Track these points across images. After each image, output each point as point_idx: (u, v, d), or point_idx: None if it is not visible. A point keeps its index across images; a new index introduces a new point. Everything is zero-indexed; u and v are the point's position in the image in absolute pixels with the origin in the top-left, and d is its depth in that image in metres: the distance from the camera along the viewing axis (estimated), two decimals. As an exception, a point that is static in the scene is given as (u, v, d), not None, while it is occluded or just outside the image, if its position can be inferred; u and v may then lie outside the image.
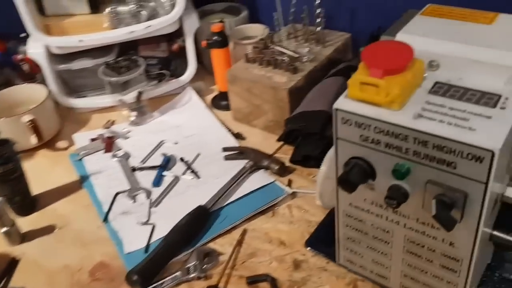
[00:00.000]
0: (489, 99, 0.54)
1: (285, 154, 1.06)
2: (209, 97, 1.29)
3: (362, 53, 0.58)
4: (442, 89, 0.57)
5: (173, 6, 1.19)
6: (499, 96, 0.54)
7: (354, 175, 0.58)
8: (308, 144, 0.97)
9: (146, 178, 1.03)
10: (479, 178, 0.51)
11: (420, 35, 0.61)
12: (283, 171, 1.00)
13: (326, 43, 1.14)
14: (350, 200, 0.65)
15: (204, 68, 1.36)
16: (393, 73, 0.55)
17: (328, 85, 1.02)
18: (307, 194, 0.95)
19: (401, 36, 0.61)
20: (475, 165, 0.50)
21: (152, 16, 1.20)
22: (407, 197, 0.57)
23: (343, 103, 0.58)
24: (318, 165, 0.99)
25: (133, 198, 0.98)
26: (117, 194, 0.99)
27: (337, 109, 0.58)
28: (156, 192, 0.99)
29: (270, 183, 0.97)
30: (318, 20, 1.11)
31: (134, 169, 1.05)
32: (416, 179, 0.56)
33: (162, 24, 1.18)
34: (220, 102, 1.24)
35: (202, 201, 0.93)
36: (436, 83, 0.57)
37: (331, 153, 0.74)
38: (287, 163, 1.02)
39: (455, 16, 0.64)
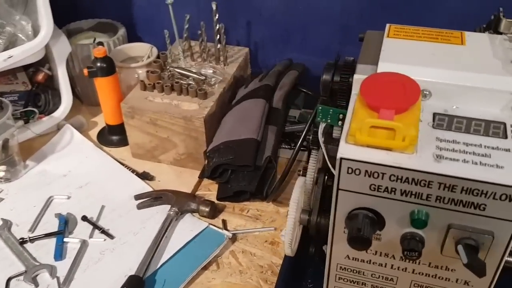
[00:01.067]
0: (497, 129, 0.51)
1: (208, 190, 0.94)
2: (93, 133, 1.08)
3: (361, 89, 0.50)
4: (444, 121, 0.52)
5: (35, 29, 0.96)
6: (504, 124, 0.51)
7: (368, 231, 0.50)
8: (241, 179, 0.87)
9: (43, 251, 0.81)
10: (509, 217, 0.47)
11: (404, 62, 0.55)
12: (214, 212, 0.88)
13: (228, 61, 1.04)
14: (348, 252, 0.57)
15: (78, 98, 1.15)
16: (401, 112, 0.48)
17: (249, 109, 0.92)
18: (248, 234, 0.85)
19: (384, 66, 0.55)
20: (507, 205, 0.47)
21: (11, 43, 0.95)
22: (424, 245, 0.51)
23: (347, 150, 0.49)
24: (249, 198, 0.90)
25: (33, 281, 0.76)
26: (9, 280, 0.76)
27: (342, 159, 0.49)
28: (62, 266, 0.78)
29: (204, 229, 0.84)
30: (218, 36, 1.01)
31: (23, 241, 0.82)
32: (434, 224, 0.50)
33: (27, 52, 0.94)
34: (110, 137, 1.05)
35: (126, 267, 0.76)
36: (435, 114, 0.53)
37: (296, 194, 0.65)
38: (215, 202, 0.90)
39: (423, 37, 0.60)
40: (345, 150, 0.49)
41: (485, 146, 0.49)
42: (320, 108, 0.59)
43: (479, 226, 0.49)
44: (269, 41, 1.10)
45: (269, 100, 0.94)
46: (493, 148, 0.49)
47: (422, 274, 0.56)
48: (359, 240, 0.50)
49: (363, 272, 0.58)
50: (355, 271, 0.59)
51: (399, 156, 0.48)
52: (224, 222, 0.87)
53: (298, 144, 0.81)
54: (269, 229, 0.85)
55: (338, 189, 0.52)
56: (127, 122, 0.96)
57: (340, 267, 0.59)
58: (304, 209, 0.68)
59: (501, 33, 0.60)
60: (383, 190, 0.50)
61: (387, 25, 0.62)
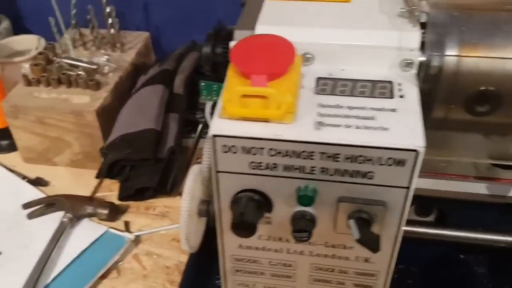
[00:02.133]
0: (383, 89, 0.46)
1: (110, 190, 0.85)
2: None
3: (232, 55, 0.44)
4: (328, 86, 0.47)
5: None
6: (391, 83, 0.47)
7: (252, 215, 0.44)
8: (141, 174, 0.79)
9: None
10: (401, 184, 0.43)
11: (283, 24, 0.50)
12: (114, 214, 0.80)
13: (125, 47, 0.96)
14: (239, 241, 0.51)
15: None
16: (276, 77, 0.43)
17: (146, 97, 0.85)
18: (154, 233, 0.78)
19: (262, 28, 0.49)
20: (396, 170, 0.42)
21: None
22: (315, 223, 0.46)
23: (220, 126, 0.43)
24: (154, 195, 0.82)
25: None
26: None
27: (215, 136, 0.43)
28: None
29: (103, 234, 0.76)
30: (110, 20, 0.92)
31: None
32: (323, 200, 0.45)
33: None
34: (-3, 142, 0.94)
35: (16, 285, 0.67)
36: (319, 79, 0.47)
37: (190, 183, 0.58)
38: (116, 202, 0.82)
39: (308, -3, 0.55)
40: (217, 125, 0.43)
41: (370, 108, 0.44)
42: (203, 84, 0.52)
43: (369, 197, 0.44)
44: (171, 23, 1.03)
45: (168, 85, 0.87)
46: (378, 109, 0.44)
47: (320, 255, 0.51)
48: (242, 226, 0.44)
49: (260, 261, 0.53)
50: (251, 261, 0.53)
51: (277, 127, 0.42)
52: (126, 223, 0.79)
53: (198, 131, 0.75)
54: (175, 226, 0.78)
55: (216, 171, 0.45)
56: (12, 123, 0.86)
57: (235, 258, 0.53)
58: (204, 199, 0.61)
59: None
60: (264, 167, 0.44)
61: (269, -12, 0.57)
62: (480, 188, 0.59)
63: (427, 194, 0.60)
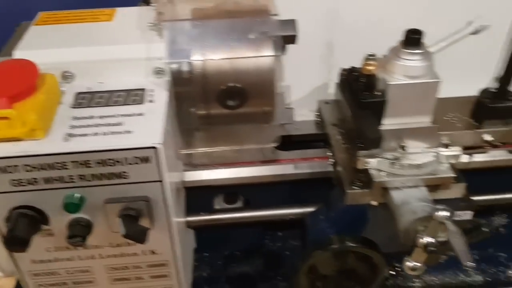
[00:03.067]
0: (136, 96, 0.51)
1: None
2: None
3: (-27, 83, 0.46)
4: (85, 99, 0.51)
5: None
6: (143, 90, 0.52)
7: (22, 229, 0.47)
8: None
9: None
10: (153, 178, 0.48)
11: (43, 47, 0.53)
12: None
13: None
14: (30, 256, 0.53)
15: None
16: (22, 98, 0.46)
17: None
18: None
19: (20, 53, 0.52)
20: (145, 167, 0.47)
21: None
22: (91, 227, 0.50)
23: (-30, 150, 0.45)
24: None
25: None
26: None
27: (-35, 160, 0.45)
28: None
29: None
30: None
31: None
32: (93, 204, 0.49)
33: None
34: None
35: None
36: (78, 94, 0.51)
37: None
38: None
39: (72, 19, 0.58)
40: (-30, 150, 0.45)
41: (120, 115, 0.49)
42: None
43: (132, 195, 0.49)
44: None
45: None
46: (127, 115, 0.49)
47: (110, 256, 0.54)
48: (13, 241, 0.47)
49: (58, 272, 0.55)
50: (49, 274, 0.55)
51: (28, 144, 0.46)
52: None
53: None
54: None
55: (-19, 193, 0.47)
56: None
57: (33, 274, 0.55)
58: None
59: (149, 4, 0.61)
60: (26, 183, 0.47)
61: (39, 13, 0.60)
62: (267, 171, 0.66)
63: (228, 183, 0.66)
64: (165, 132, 0.48)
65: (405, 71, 0.52)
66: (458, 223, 0.53)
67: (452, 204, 0.57)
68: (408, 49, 0.52)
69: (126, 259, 0.55)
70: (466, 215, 0.63)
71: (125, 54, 0.53)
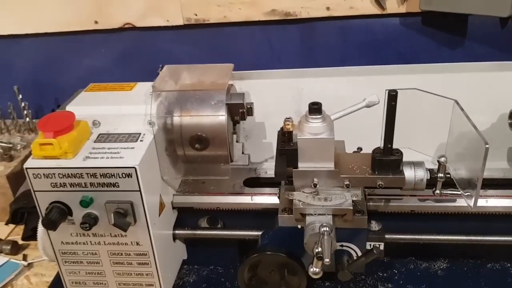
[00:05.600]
0: (134, 137, 0.80)
1: (18, 234, 1.15)
2: None
3: (38, 123, 0.77)
4: (103, 137, 0.80)
5: None
6: (139, 134, 0.80)
7: (53, 215, 0.75)
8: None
9: None
10: (135, 188, 0.75)
11: (84, 104, 0.84)
12: (16, 249, 1.09)
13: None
14: (60, 238, 0.81)
15: None
16: (62, 133, 0.76)
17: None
18: (42, 261, 1.07)
19: (70, 108, 0.83)
20: (129, 180, 0.74)
21: None
22: (97, 220, 0.77)
23: (31, 163, 0.75)
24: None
25: None
26: None
27: (27, 168, 0.75)
28: None
29: (4, 263, 1.05)
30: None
31: None
32: (99, 204, 0.77)
33: None
34: None
35: None
36: (100, 134, 0.81)
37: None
38: (20, 242, 1.11)
39: (109, 89, 0.90)
40: (29, 162, 0.76)
41: (120, 148, 0.77)
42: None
43: (122, 199, 0.76)
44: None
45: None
46: (124, 148, 0.77)
47: (110, 243, 0.81)
48: (46, 222, 0.75)
49: (76, 252, 0.82)
50: (71, 253, 0.83)
51: (62, 161, 0.75)
52: (24, 255, 1.08)
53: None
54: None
55: (34, 191, 0.77)
56: None
57: (61, 252, 0.83)
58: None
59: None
60: (59, 185, 0.76)
61: (90, 84, 0.92)
62: (235, 199, 0.90)
63: (209, 207, 0.91)
64: (144, 159, 0.75)
65: (309, 130, 0.75)
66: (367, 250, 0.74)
67: (370, 237, 0.78)
68: (311, 115, 0.75)
69: (121, 247, 0.81)
70: (380, 245, 0.82)
71: (131, 111, 0.82)
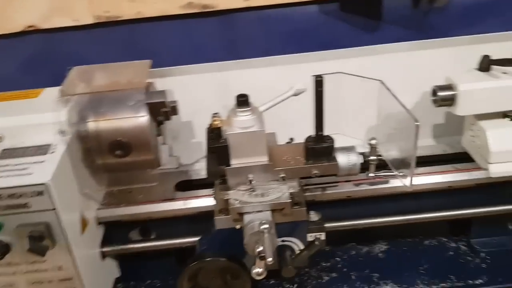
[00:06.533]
0: (43, 150, 0.71)
1: None
2: None
3: None
4: (8, 153, 0.71)
5: None
6: (49, 145, 0.72)
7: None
8: None
9: None
10: (49, 207, 0.67)
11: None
12: None
13: None
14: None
15: None
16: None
17: None
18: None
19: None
20: (41, 198, 0.66)
21: None
22: (9, 248, 0.68)
23: None
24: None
25: None
26: None
27: None
28: None
29: None
30: None
31: None
32: (9, 229, 0.67)
33: None
34: None
35: None
36: (3, 150, 0.72)
37: None
38: None
39: (11, 97, 0.80)
40: None
41: (27, 163, 0.69)
42: None
43: (34, 221, 0.67)
44: None
45: None
46: (32, 163, 0.69)
47: (29, 272, 0.72)
48: None
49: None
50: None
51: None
52: None
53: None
54: None
55: None
56: None
57: (-29, 287, 0.73)
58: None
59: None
60: (-42, 213, 0.66)
61: (-11, 95, 0.82)
62: (167, 206, 0.84)
63: (139, 218, 0.84)
64: (57, 174, 0.67)
65: (239, 124, 0.70)
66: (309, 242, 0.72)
67: (310, 228, 0.75)
68: (239, 108, 0.70)
69: (43, 274, 0.72)
70: (322, 236, 0.79)
71: (38, 121, 0.73)
